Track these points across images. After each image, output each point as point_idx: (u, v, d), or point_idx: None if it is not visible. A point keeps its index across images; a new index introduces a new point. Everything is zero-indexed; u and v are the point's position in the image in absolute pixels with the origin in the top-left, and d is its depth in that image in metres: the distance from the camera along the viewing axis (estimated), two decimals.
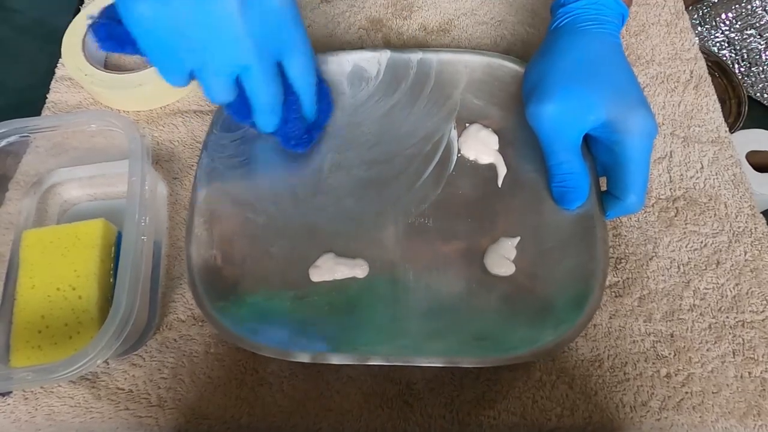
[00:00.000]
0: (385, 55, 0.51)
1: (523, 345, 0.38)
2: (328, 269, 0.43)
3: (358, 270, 0.43)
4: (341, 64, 0.51)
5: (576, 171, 0.42)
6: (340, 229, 0.46)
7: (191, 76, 0.35)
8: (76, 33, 0.55)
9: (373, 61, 0.51)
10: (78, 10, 0.58)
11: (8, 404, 0.41)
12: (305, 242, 0.45)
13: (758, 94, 1.21)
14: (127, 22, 0.31)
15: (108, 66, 0.58)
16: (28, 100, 0.61)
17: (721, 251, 0.47)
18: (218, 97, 0.35)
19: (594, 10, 0.43)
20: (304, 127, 0.45)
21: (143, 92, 0.53)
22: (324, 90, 0.46)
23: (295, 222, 0.46)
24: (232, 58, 0.32)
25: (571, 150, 0.42)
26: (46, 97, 0.56)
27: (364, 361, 0.37)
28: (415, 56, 0.51)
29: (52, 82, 0.57)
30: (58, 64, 0.58)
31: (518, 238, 0.44)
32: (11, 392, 0.42)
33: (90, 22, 0.35)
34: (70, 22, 0.56)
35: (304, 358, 0.37)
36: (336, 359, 0.37)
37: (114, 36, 0.34)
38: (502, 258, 0.43)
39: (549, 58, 0.43)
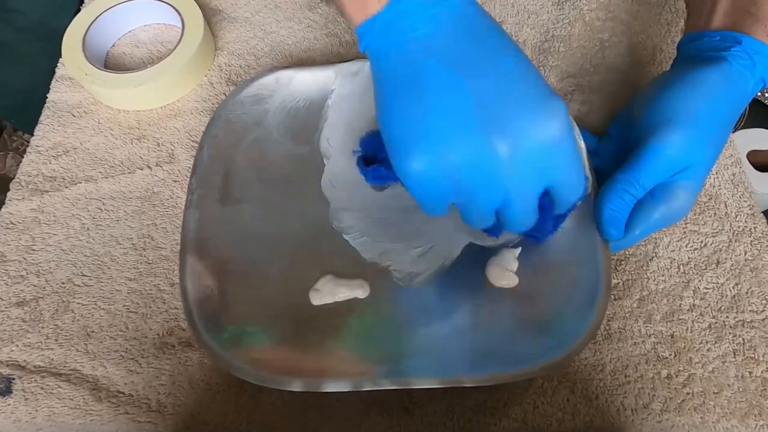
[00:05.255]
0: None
1: (531, 359, 0.38)
2: (329, 292, 0.43)
3: (359, 291, 0.43)
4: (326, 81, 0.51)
5: (632, 205, 0.41)
6: (338, 249, 0.45)
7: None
8: (76, 33, 0.55)
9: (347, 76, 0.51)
10: (78, 11, 0.58)
11: (9, 404, 0.41)
12: (304, 265, 0.44)
13: (759, 94, 1.21)
14: (399, 173, 0.33)
15: (108, 66, 0.58)
16: (29, 99, 0.61)
17: (721, 251, 0.47)
18: (477, 226, 0.37)
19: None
20: (552, 225, 0.41)
21: (143, 92, 0.53)
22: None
23: (291, 245, 0.45)
24: (496, 197, 0.33)
25: (648, 189, 0.41)
26: (46, 97, 0.56)
27: (358, 388, 0.36)
28: None
29: (53, 82, 0.57)
30: (58, 64, 0.58)
31: (519, 249, 0.44)
32: (12, 392, 0.42)
33: (356, 159, 0.41)
34: (71, 22, 0.55)
35: (299, 387, 0.37)
36: (330, 387, 0.37)
37: (381, 176, 0.39)
38: (504, 270, 0.43)
39: (709, 98, 0.41)
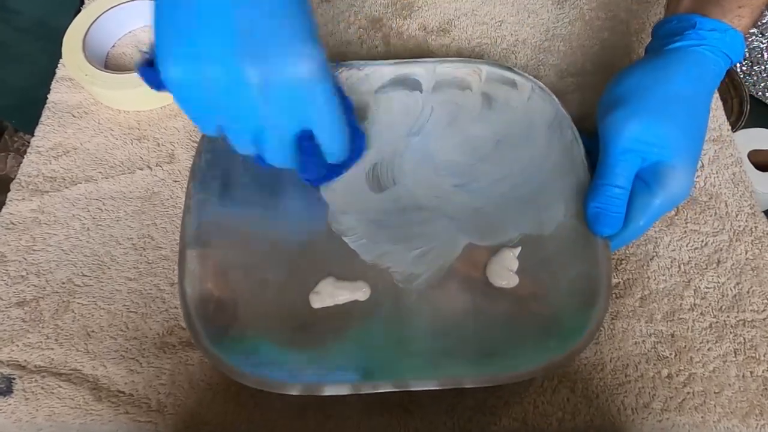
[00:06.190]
0: (388, 69, 0.50)
1: (533, 359, 0.37)
2: (329, 294, 0.42)
3: (360, 293, 0.43)
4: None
5: (622, 198, 0.41)
6: (338, 252, 0.45)
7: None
8: (76, 33, 0.55)
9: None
10: (79, 11, 0.58)
11: (9, 404, 0.41)
12: (303, 268, 0.44)
13: (760, 93, 1.21)
14: (163, 77, 0.34)
15: (108, 66, 0.58)
16: (29, 100, 0.61)
17: (721, 250, 0.47)
18: (240, 151, 0.38)
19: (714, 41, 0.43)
20: (323, 170, 0.42)
21: (143, 92, 0.53)
22: (357, 135, 0.43)
23: (291, 248, 0.45)
24: (250, 125, 0.35)
25: (630, 177, 0.41)
26: (47, 97, 0.56)
27: (357, 391, 0.36)
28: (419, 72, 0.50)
29: (53, 83, 0.57)
30: (58, 65, 0.58)
31: (519, 248, 0.44)
32: (12, 392, 0.42)
33: (141, 60, 0.38)
34: (71, 22, 0.55)
35: (295, 390, 0.36)
36: (330, 390, 0.36)
37: (153, 80, 0.37)
38: (505, 269, 0.43)
39: (659, 76, 0.42)
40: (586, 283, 0.40)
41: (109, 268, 0.47)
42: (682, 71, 0.42)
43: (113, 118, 0.54)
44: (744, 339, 0.43)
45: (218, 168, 0.46)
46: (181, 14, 0.32)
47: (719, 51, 0.42)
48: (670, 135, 0.41)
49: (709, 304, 0.45)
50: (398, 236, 0.46)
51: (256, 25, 0.32)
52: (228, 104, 0.33)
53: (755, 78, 1.21)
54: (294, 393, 0.36)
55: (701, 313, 0.44)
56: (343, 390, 0.36)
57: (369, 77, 0.49)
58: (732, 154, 0.51)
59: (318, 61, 0.33)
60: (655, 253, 0.47)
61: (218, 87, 0.32)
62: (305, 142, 0.37)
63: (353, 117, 0.41)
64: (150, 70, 0.37)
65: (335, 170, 0.43)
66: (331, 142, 0.38)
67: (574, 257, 0.42)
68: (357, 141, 0.42)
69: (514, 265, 0.43)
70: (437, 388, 0.36)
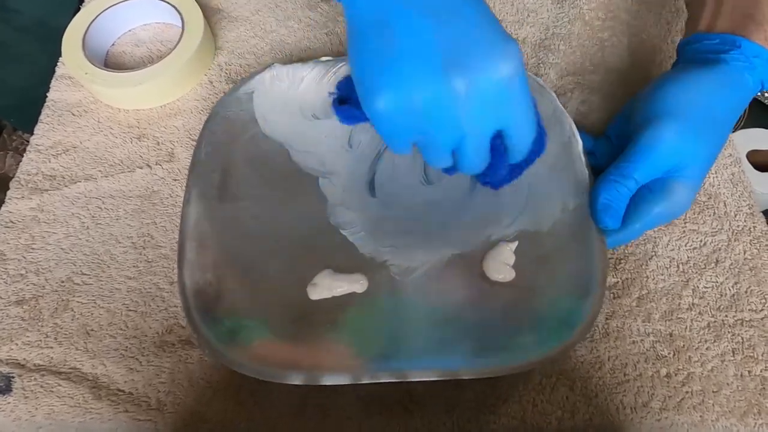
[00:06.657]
0: None
1: (528, 352, 0.38)
2: (327, 286, 0.43)
3: (357, 285, 0.43)
4: None
5: (627, 197, 0.42)
6: (336, 245, 0.45)
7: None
8: (76, 31, 0.55)
9: None
10: (78, 10, 0.58)
11: (8, 403, 0.41)
12: (302, 260, 0.44)
13: (759, 94, 1.21)
14: (366, 112, 0.35)
15: (108, 64, 0.58)
16: (29, 98, 0.61)
17: (720, 250, 0.47)
18: (437, 165, 0.38)
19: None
20: (506, 172, 0.41)
21: (143, 91, 0.53)
22: (539, 134, 0.40)
23: (290, 240, 0.45)
24: (453, 135, 0.35)
25: (644, 183, 0.42)
26: (47, 96, 0.56)
27: (357, 380, 0.36)
28: None
29: (52, 81, 0.57)
30: (58, 63, 0.58)
31: (516, 243, 0.44)
32: (11, 391, 0.42)
33: (330, 100, 0.42)
34: (71, 21, 0.55)
35: (297, 380, 0.36)
36: (329, 380, 0.36)
37: (351, 116, 0.41)
38: (502, 264, 0.43)
39: (704, 93, 0.42)
40: (582, 277, 0.41)
41: (108, 267, 0.47)
42: (724, 94, 0.42)
43: (113, 117, 0.54)
44: (742, 338, 0.43)
45: (218, 160, 0.47)
46: (383, 47, 0.33)
47: (758, 77, 0.43)
48: (700, 155, 0.41)
49: (708, 303, 0.45)
50: (396, 230, 0.46)
51: (458, 40, 0.32)
52: (433, 121, 0.34)
53: None
54: (293, 383, 0.36)
55: (699, 313, 0.44)
56: (342, 380, 0.36)
57: None
58: (731, 155, 0.51)
59: (518, 58, 0.33)
60: (653, 253, 0.47)
61: (425, 107, 0.33)
62: (497, 142, 0.37)
63: (538, 113, 0.40)
64: (345, 108, 0.39)
65: (516, 170, 0.41)
66: (524, 139, 0.37)
67: (570, 252, 0.42)
68: (539, 139, 0.40)
69: (511, 259, 0.44)
70: (434, 379, 0.36)
